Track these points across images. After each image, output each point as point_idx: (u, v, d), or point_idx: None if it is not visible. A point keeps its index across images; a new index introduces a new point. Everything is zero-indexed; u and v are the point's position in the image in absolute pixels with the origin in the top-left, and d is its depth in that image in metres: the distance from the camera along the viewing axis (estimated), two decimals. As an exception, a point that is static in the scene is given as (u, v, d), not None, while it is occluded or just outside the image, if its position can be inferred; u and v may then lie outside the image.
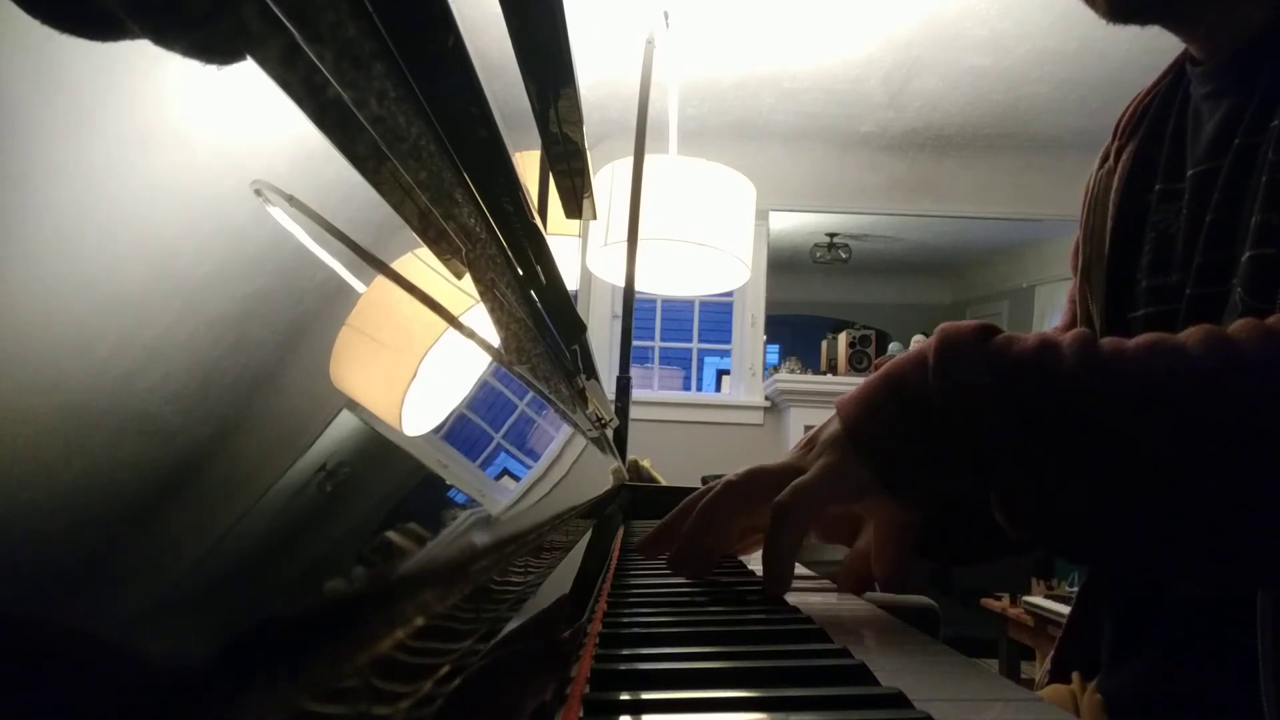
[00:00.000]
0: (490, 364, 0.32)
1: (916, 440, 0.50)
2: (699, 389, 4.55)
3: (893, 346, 4.69)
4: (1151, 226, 0.67)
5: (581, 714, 0.28)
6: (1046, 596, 2.70)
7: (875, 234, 5.09)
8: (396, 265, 0.22)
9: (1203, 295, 0.60)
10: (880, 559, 0.57)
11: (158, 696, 0.08)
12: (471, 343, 0.29)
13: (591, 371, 0.87)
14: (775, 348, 4.65)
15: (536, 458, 0.38)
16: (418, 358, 0.23)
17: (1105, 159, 0.76)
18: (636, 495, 1.20)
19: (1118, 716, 0.63)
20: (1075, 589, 2.54)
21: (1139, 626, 0.63)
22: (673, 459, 3.30)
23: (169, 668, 0.09)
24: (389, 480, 0.19)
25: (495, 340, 0.33)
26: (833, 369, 4.36)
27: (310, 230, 0.17)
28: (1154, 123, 0.71)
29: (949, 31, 2.97)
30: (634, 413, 1.78)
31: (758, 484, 0.57)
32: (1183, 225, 0.64)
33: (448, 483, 0.23)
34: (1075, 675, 0.71)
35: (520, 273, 0.47)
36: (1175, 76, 0.72)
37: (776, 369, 4.24)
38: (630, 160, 1.79)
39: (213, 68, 0.14)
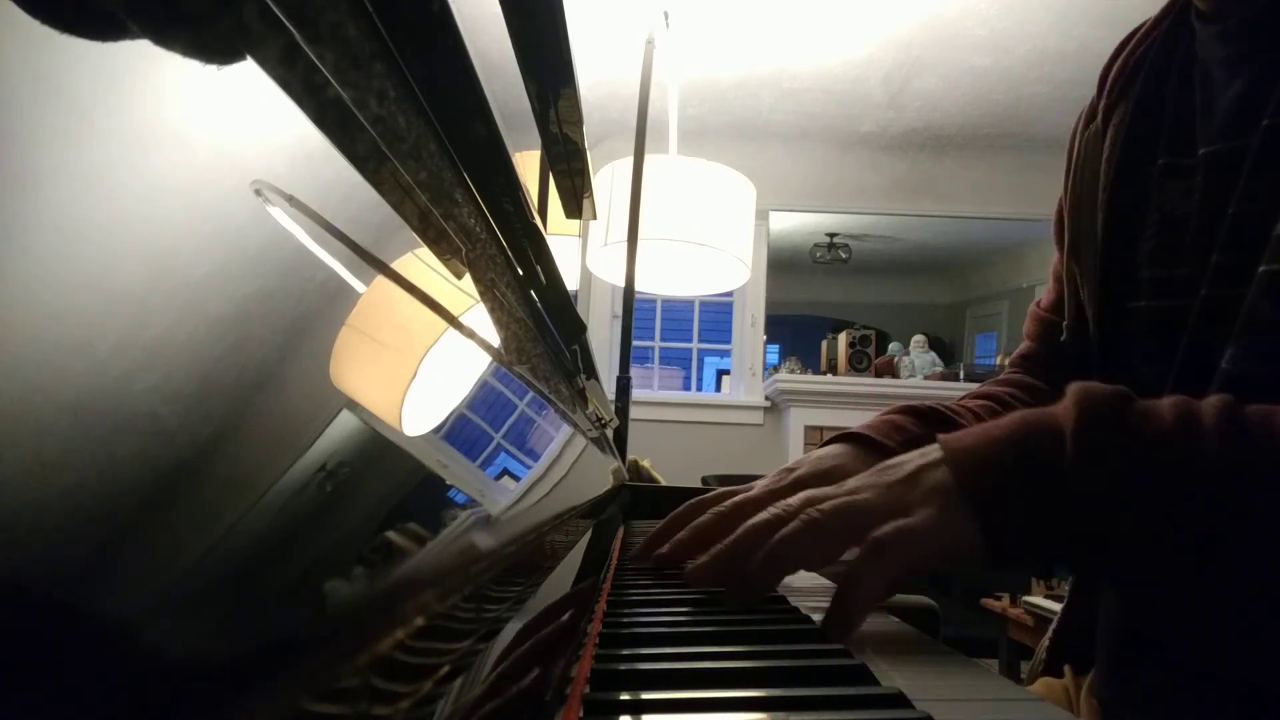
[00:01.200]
0: (490, 364, 0.32)
1: (1039, 513, 0.46)
2: (699, 389, 4.56)
3: (893, 346, 4.69)
4: (1155, 207, 0.61)
5: (581, 714, 0.28)
6: (1046, 596, 2.69)
7: (875, 234, 5.09)
8: (396, 265, 0.22)
9: (1220, 298, 0.54)
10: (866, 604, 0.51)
11: (159, 696, 0.08)
12: (471, 343, 0.29)
13: (591, 371, 0.87)
14: (775, 348, 4.65)
15: (536, 458, 0.38)
16: (418, 358, 0.23)
17: (1092, 117, 0.69)
18: (636, 495, 1.20)
19: None
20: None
21: (1139, 647, 0.60)
22: (673, 459, 3.30)
23: (170, 667, 0.09)
24: (389, 480, 0.19)
25: (495, 340, 0.33)
26: (833, 369, 4.36)
27: (310, 230, 0.17)
28: (1151, 81, 0.63)
29: (949, 31, 2.97)
30: (634, 413, 1.78)
31: (848, 521, 0.49)
32: (1195, 212, 0.57)
33: (448, 483, 0.23)
34: (1068, 669, 0.70)
35: (520, 273, 0.47)
36: (1172, 25, 0.64)
37: (776, 369, 4.24)
38: (630, 160, 1.79)
39: (213, 68, 0.14)
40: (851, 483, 0.51)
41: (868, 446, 0.69)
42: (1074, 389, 0.48)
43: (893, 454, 0.65)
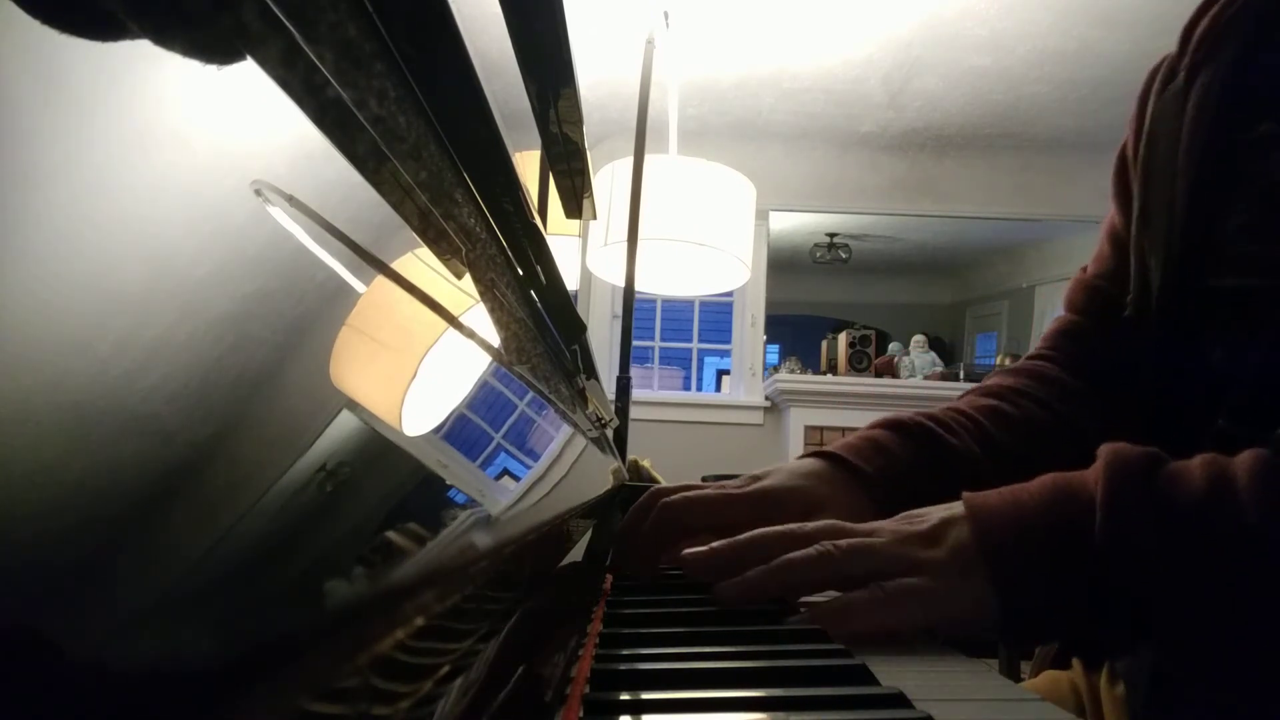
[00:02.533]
0: (490, 364, 0.32)
1: (1062, 585, 0.44)
2: (699, 389, 4.56)
3: (893, 346, 4.69)
4: (1250, 179, 0.56)
5: (581, 714, 0.28)
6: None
7: (875, 234, 5.09)
8: (396, 265, 0.22)
9: None
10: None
11: (159, 697, 0.08)
12: (471, 343, 0.29)
13: (591, 371, 0.87)
14: (775, 348, 4.65)
15: (536, 458, 0.38)
16: (418, 358, 0.23)
17: (1170, 76, 0.63)
18: (636, 495, 1.19)
19: (1145, 704, 0.58)
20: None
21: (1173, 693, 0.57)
22: (673, 459, 3.30)
23: (170, 668, 0.09)
24: (389, 480, 0.19)
25: (495, 340, 0.33)
26: (833, 369, 4.36)
27: (310, 230, 0.17)
28: (1248, 45, 0.58)
29: (949, 31, 2.97)
30: (634, 413, 1.78)
31: (860, 563, 0.47)
32: None
33: (448, 483, 0.23)
34: (1076, 662, 0.67)
35: (520, 273, 0.47)
36: None
37: (776, 369, 4.24)
38: (630, 160, 1.79)
39: (213, 68, 0.14)
40: (870, 525, 0.50)
41: (841, 468, 0.66)
42: (1105, 451, 0.47)
43: (868, 480, 0.64)
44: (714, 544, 0.52)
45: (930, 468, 0.66)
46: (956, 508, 0.49)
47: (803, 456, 0.71)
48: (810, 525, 0.51)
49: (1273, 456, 0.43)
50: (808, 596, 0.51)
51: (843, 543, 0.48)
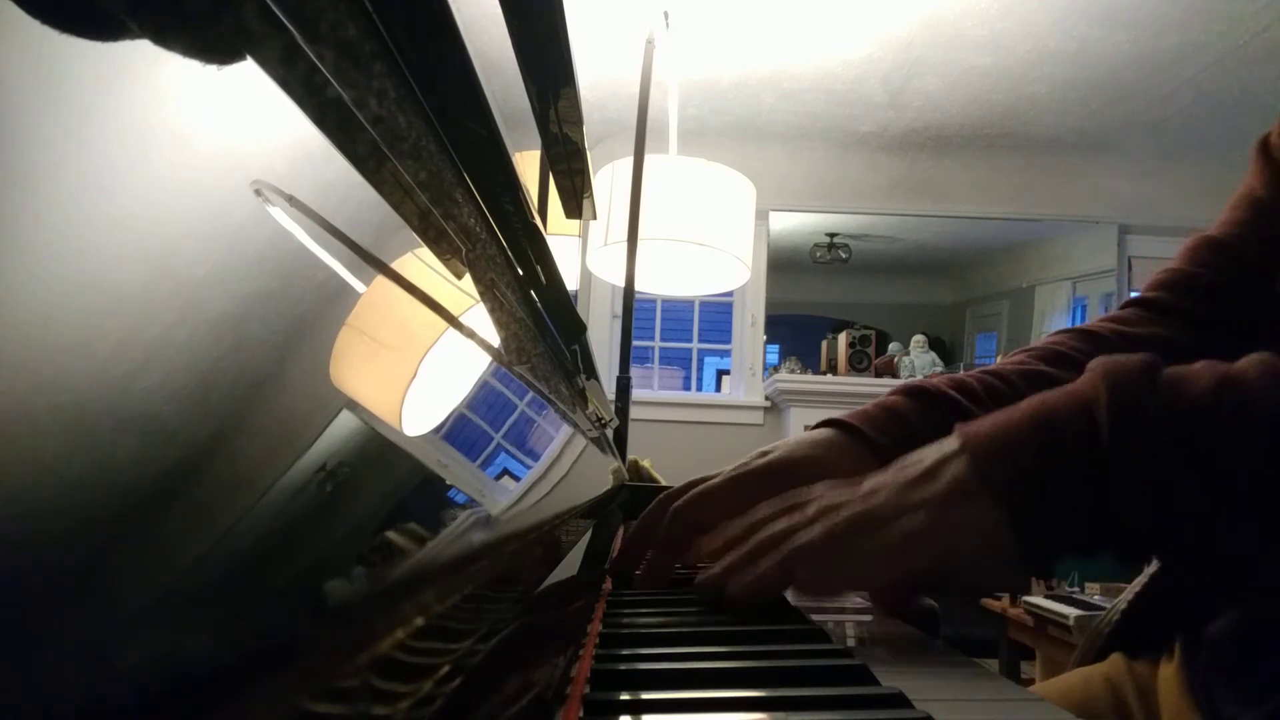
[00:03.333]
0: (490, 364, 0.32)
1: (1074, 499, 0.43)
2: (699, 389, 4.55)
3: (893, 346, 4.69)
4: None
5: (581, 714, 0.28)
6: (1046, 596, 2.69)
7: (875, 234, 5.09)
8: (396, 265, 0.22)
9: None
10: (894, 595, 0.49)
11: (159, 696, 0.08)
12: (471, 343, 0.29)
13: (591, 371, 0.87)
14: (775, 348, 4.64)
15: (536, 458, 0.38)
16: (418, 358, 0.23)
17: None
18: (636, 495, 1.20)
19: (1206, 687, 0.56)
20: (1075, 588, 2.54)
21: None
22: (673, 459, 3.30)
23: (170, 667, 0.09)
24: (389, 480, 0.19)
25: (495, 340, 0.33)
26: (833, 369, 4.36)
27: (310, 230, 0.17)
28: None
29: (949, 31, 2.97)
30: (634, 413, 1.78)
31: (864, 532, 0.46)
32: None
33: (448, 483, 0.23)
34: (1116, 657, 0.65)
35: (520, 273, 0.47)
36: None
37: (776, 369, 4.24)
38: (630, 160, 1.79)
39: (213, 68, 0.14)
40: (868, 485, 0.49)
41: (854, 437, 0.64)
42: (1097, 363, 0.46)
43: (882, 450, 0.61)
44: (721, 568, 0.51)
45: (940, 425, 0.63)
46: (948, 443, 0.48)
47: (815, 426, 0.69)
48: (809, 509, 0.49)
49: (1273, 357, 0.43)
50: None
51: (840, 519, 0.46)
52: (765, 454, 0.65)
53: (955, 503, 0.44)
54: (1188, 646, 0.59)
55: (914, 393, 0.68)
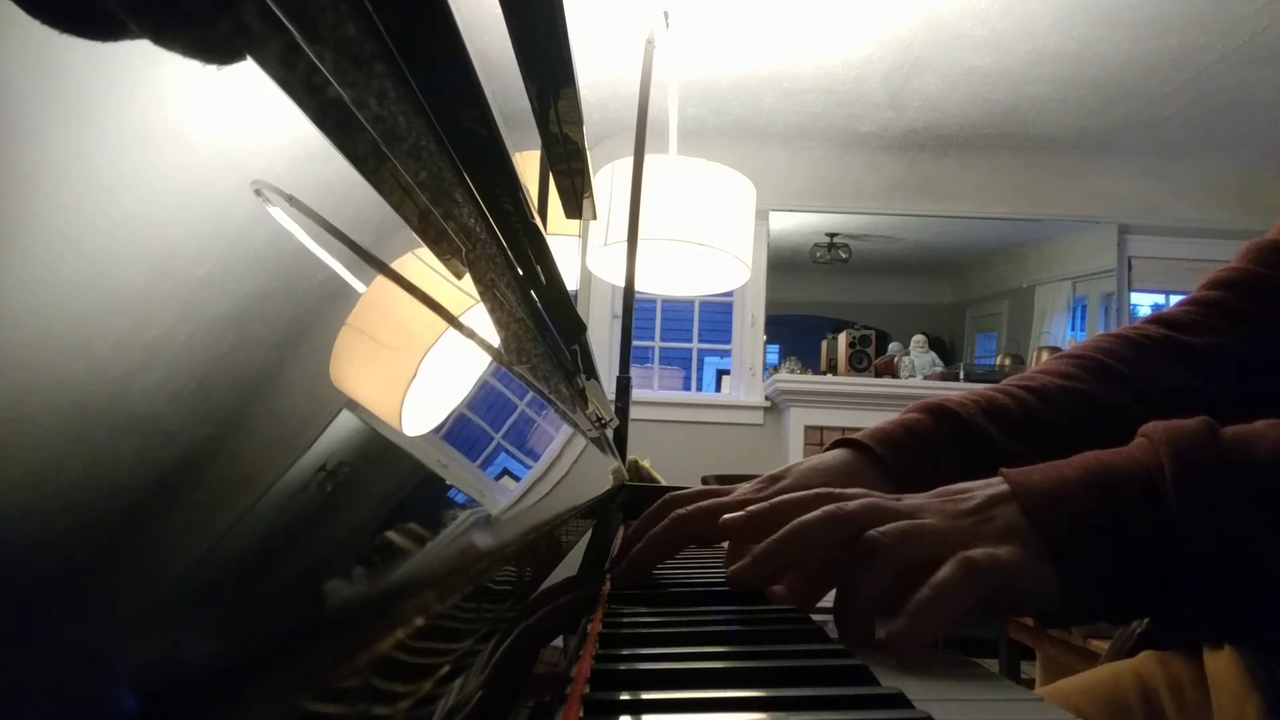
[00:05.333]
0: (490, 364, 0.32)
1: (1131, 564, 0.42)
2: (699, 389, 4.55)
3: (893, 346, 4.69)
4: None
5: (581, 714, 0.28)
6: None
7: (875, 234, 5.09)
8: (396, 265, 0.22)
9: None
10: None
11: (160, 696, 0.08)
12: (471, 343, 0.29)
13: (591, 371, 0.87)
14: (775, 348, 4.64)
15: (536, 458, 0.38)
16: (418, 358, 0.23)
17: None
18: (636, 495, 1.20)
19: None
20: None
21: None
22: (673, 459, 3.30)
23: (170, 668, 0.09)
24: (389, 480, 0.19)
25: (495, 340, 0.33)
26: (833, 369, 4.36)
27: (310, 230, 0.17)
28: None
29: (949, 31, 2.97)
30: (634, 413, 1.78)
31: (911, 548, 0.43)
32: None
33: (448, 483, 0.23)
34: (1148, 654, 0.63)
35: (520, 273, 0.47)
36: None
37: (776, 369, 4.24)
38: (630, 160, 1.79)
39: (213, 68, 0.14)
40: (911, 503, 0.46)
41: (871, 461, 0.62)
42: (1152, 429, 0.45)
43: (900, 477, 0.59)
44: (754, 553, 0.48)
45: (969, 459, 0.61)
46: (997, 484, 0.46)
47: (830, 446, 0.66)
48: (851, 505, 0.46)
49: None
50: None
51: (889, 529, 0.43)
52: (777, 479, 0.62)
53: (1013, 542, 0.43)
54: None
55: (941, 415, 0.65)
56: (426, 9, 0.27)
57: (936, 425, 0.64)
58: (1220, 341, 0.68)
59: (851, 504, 0.46)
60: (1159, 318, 0.71)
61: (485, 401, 0.30)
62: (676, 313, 4.61)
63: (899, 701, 0.30)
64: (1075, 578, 0.42)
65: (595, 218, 0.77)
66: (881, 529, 0.43)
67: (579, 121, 0.49)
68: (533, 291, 0.51)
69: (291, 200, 0.16)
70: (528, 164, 1.44)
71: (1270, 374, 0.55)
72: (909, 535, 0.43)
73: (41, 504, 0.08)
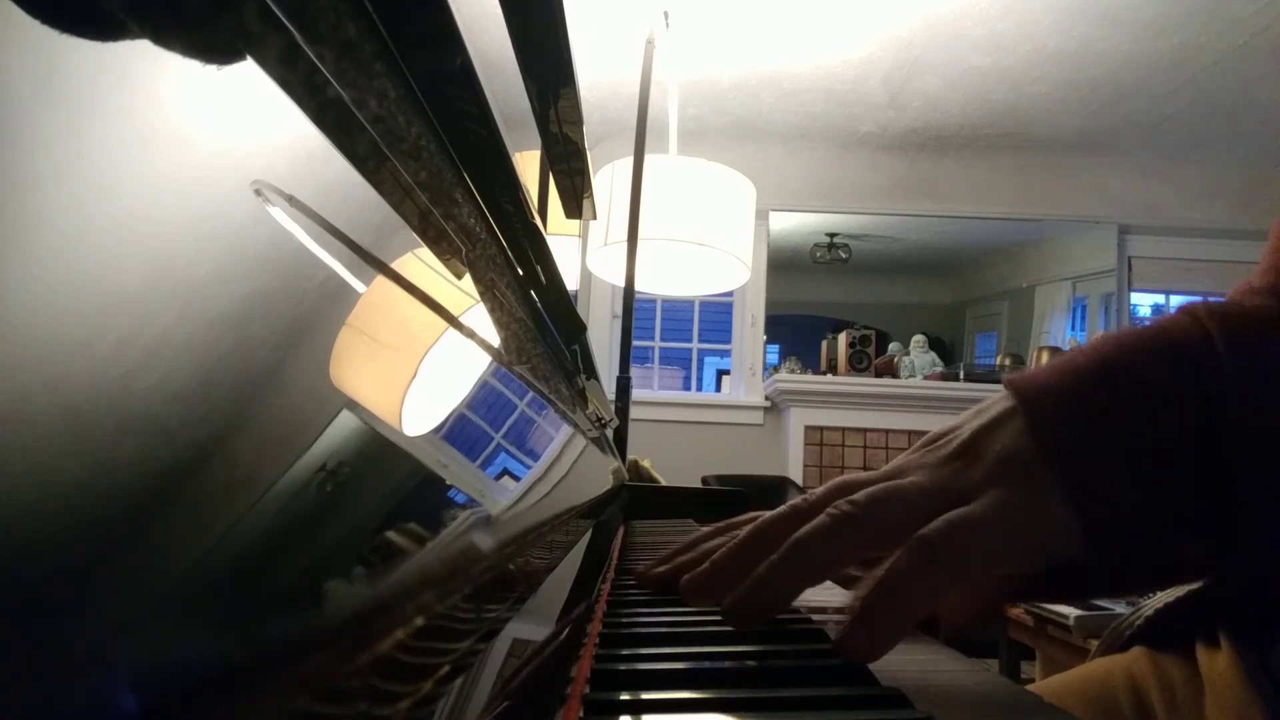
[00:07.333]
0: (490, 364, 0.32)
1: (1169, 465, 0.32)
2: (699, 389, 4.55)
3: (893, 346, 4.69)
4: None
5: (581, 714, 0.28)
6: (1046, 596, 2.70)
7: (875, 234, 5.09)
8: (396, 265, 0.22)
9: None
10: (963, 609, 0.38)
11: (160, 696, 0.08)
12: (471, 343, 0.29)
13: (591, 371, 0.87)
14: (775, 348, 4.65)
15: (536, 458, 0.38)
16: (418, 358, 0.23)
17: None
18: (636, 495, 1.20)
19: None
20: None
21: None
22: (673, 459, 3.31)
23: (171, 668, 0.09)
24: (389, 480, 0.19)
25: (495, 340, 0.33)
26: (833, 369, 4.36)
27: (310, 230, 0.17)
28: None
29: (949, 31, 2.97)
30: (634, 413, 1.78)
31: (886, 514, 0.35)
32: None
33: (448, 483, 0.23)
34: (1142, 650, 0.58)
35: (520, 273, 0.47)
36: None
37: (776, 369, 4.24)
38: (630, 160, 1.79)
39: (213, 68, 0.14)
40: (895, 464, 0.39)
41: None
42: (1183, 308, 0.35)
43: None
44: (712, 558, 0.43)
45: None
46: (996, 404, 0.37)
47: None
48: (815, 491, 0.39)
49: None
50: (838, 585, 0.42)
51: (858, 496, 0.36)
52: (947, 445, 0.48)
53: (1002, 483, 0.34)
54: (1243, 636, 0.49)
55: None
56: (426, 9, 0.27)
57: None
58: None
59: (819, 489, 0.40)
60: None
61: (485, 401, 0.30)
62: (676, 313, 4.61)
63: (899, 701, 0.30)
64: (1093, 497, 0.32)
65: (595, 218, 0.77)
66: (850, 498, 0.36)
67: (579, 121, 0.49)
68: (533, 291, 0.51)
69: (291, 200, 0.16)
70: (528, 164, 1.44)
71: None
72: (878, 500, 0.36)
73: (41, 504, 0.08)
